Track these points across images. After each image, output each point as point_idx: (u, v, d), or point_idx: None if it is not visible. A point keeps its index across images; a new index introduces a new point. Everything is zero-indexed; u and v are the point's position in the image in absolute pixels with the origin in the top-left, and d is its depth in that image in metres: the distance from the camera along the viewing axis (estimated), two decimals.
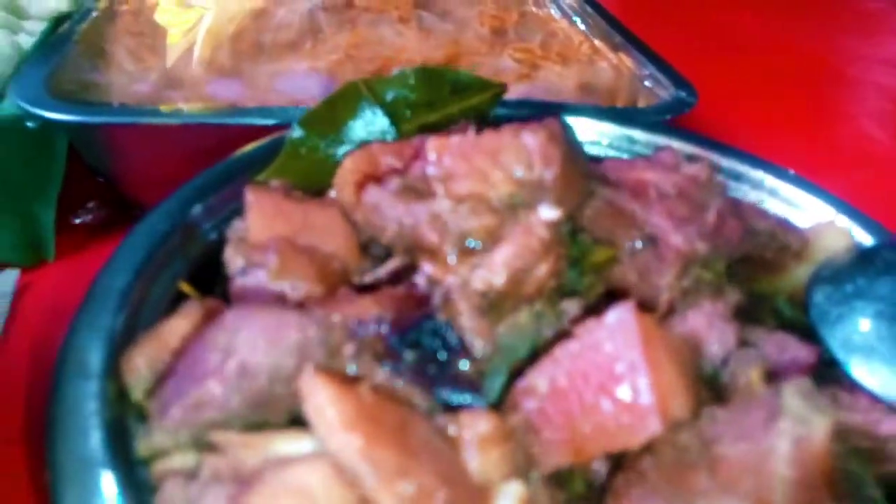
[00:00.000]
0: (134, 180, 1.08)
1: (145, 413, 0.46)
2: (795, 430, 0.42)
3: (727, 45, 1.72)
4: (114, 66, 1.14)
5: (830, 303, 0.60)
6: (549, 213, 0.53)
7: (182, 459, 0.42)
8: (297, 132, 0.69)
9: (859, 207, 0.75)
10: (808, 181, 0.77)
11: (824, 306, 0.60)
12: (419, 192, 0.57)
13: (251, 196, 0.61)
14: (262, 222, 0.60)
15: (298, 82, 1.13)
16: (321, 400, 0.39)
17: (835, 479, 0.42)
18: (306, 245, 0.60)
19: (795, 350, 0.56)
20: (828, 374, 0.58)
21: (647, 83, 1.23)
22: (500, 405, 0.49)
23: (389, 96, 0.73)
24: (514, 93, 1.20)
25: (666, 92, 1.17)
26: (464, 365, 0.49)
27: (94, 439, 0.46)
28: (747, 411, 0.46)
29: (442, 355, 0.48)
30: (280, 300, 0.51)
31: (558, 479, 0.51)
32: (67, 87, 1.05)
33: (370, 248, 0.62)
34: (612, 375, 0.45)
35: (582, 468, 0.51)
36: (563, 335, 0.49)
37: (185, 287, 0.60)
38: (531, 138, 0.54)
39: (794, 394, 0.44)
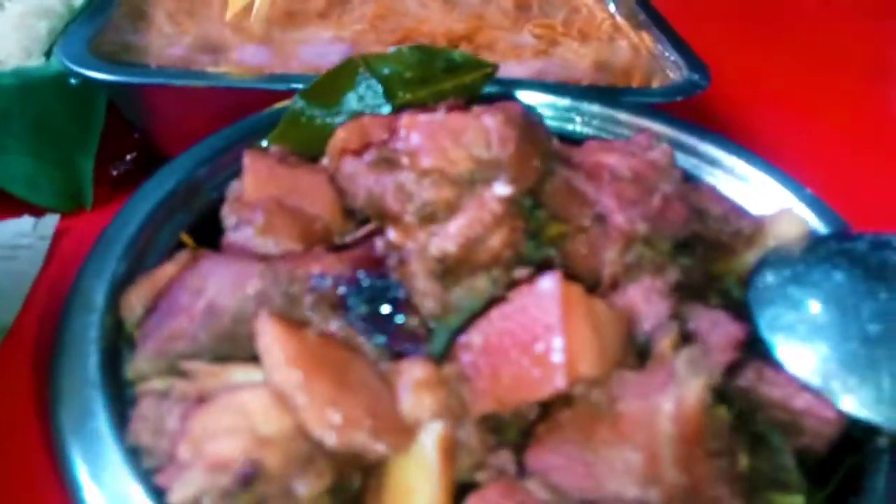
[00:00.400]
0: (166, 136, 1.16)
1: (135, 343, 0.54)
2: (677, 390, 0.47)
3: (755, 25, 1.71)
4: (153, 29, 1.22)
5: (767, 285, 0.64)
6: (502, 189, 0.59)
7: (159, 383, 0.50)
8: (298, 103, 0.76)
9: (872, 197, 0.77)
10: (780, 170, 0.80)
11: (761, 288, 0.64)
12: (392, 164, 0.63)
13: (248, 159, 0.68)
14: (256, 184, 0.67)
15: (322, 51, 1.19)
16: (269, 338, 0.46)
17: (715, 436, 0.48)
18: (293, 206, 0.68)
19: (726, 326, 0.61)
20: (759, 351, 0.63)
21: (663, 64, 1.25)
22: (443, 358, 0.56)
23: (386, 72, 0.79)
24: (528, 69, 1.24)
25: (680, 74, 1.20)
26: (411, 321, 0.55)
27: (92, 363, 0.55)
28: (651, 375, 0.52)
29: (390, 311, 0.55)
30: (257, 254, 0.58)
31: (495, 426, 0.58)
32: (109, 48, 1.13)
33: (356, 213, 0.69)
34: (533, 335, 0.51)
35: (516, 417, 0.58)
36: (500, 300, 0.56)
37: (185, 238, 0.68)
38: (490, 120, 0.59)
39: (683, 360, 0.49)
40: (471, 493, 0.47)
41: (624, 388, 0.52)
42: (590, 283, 0.64)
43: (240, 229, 0.64)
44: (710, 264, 0.73)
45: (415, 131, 0.60)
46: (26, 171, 1.13)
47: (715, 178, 0.80)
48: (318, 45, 1.20)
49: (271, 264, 0.53)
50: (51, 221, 1.08)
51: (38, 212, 1.09)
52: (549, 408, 0.56)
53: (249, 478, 0.42)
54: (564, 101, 0.88)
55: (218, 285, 0.50)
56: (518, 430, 0.58)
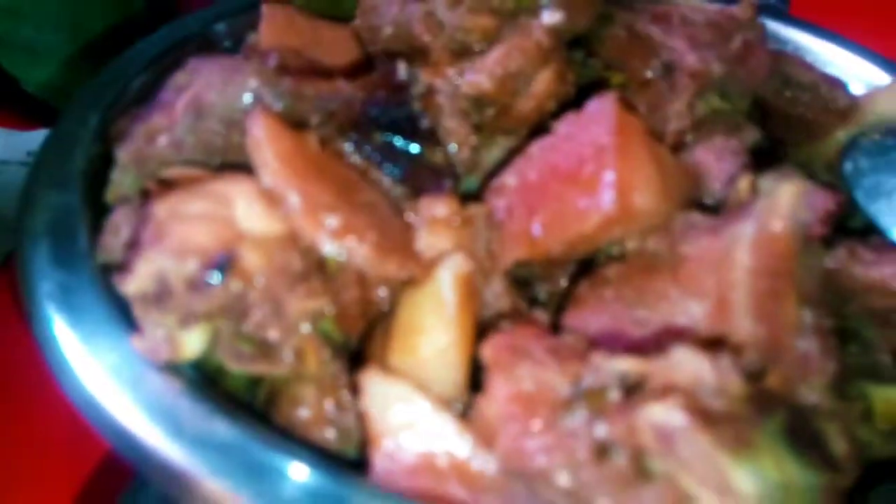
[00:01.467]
0: None
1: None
2: (760, 212, 0.38)
3: None
4: None
5: (866, 154, 0.54)
6: (551, 16, 0.50)
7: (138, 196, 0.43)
8: None
9: None
10: (880, 55, 0.69)
11: (857, 157, 0.54)
12: None
13: (266, 8, 0.61)
14: (273, 32, 0.60)
15: None
16: (261, 134, 0.38)
17: (806, 274, 0.38)
18: (311, 58, 0.60)
19: (814, 195, 0.50)
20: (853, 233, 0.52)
21: None
22: (472, 201, 0.48)
23: None
24: None
25: None
26: (434, 154, 0.47)
27: (73, 192, 0.48)
28: (725, 216, 0.42)
29: (410, 142, 0.46)
30: None
31: (529, 282, 0.49)
32: None
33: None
34: (581, 160, 0.42)
35: (555, 269, 0.48)
36: (541, 132, 0.47)
37: None
38: None
39: (769, 178, 0.39)
40: (492, 333, 0.38)
41: (689, 231, 0.42)
42: None
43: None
44: (790, 150, 0.62)
45: None
46: (57, 77, 1.09)
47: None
48: None
49: (273, 72, 0.45)
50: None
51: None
52: (595, 265, 0.47)
53: (222, 267, 0.34)
54: None
55: (206, 79, 0.43)
56: (546, 292, 0.49)
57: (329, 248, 0.36)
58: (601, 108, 0.43)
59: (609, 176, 0.40)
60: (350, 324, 0.45)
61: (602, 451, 0.32)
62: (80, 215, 0.45)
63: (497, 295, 0.46)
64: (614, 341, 0.41)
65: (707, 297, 0.40)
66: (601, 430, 0.32)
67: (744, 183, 0.44)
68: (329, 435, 0.42)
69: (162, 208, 0.36)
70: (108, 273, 0.42)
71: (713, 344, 0.38)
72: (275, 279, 0.36)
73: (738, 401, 0.30)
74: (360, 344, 0.43)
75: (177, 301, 0.35)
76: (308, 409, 0.42)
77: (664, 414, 0.29)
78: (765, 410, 0.31)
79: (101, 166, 0.50)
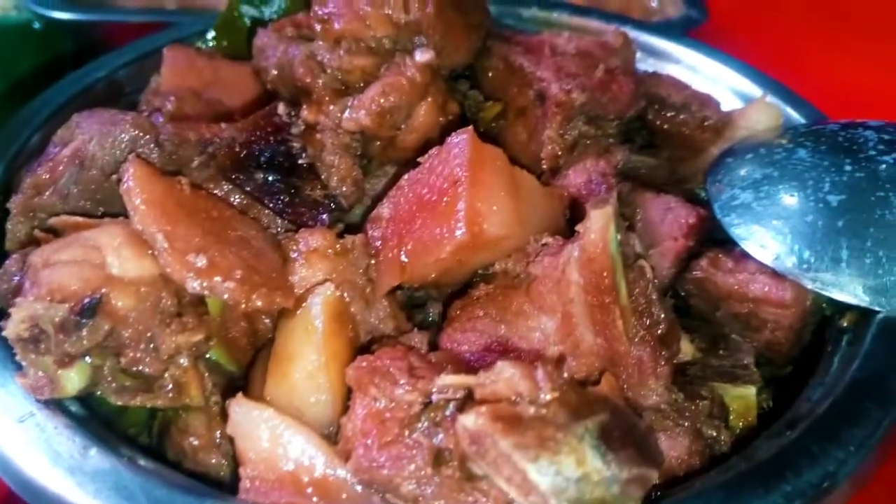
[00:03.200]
0: None
1: None
2: (583, 234, 0.41)
3: None
4: None
5: (726, 169, 0.58)
6: (423, 55, 0.54)
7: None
8: (231, 3, 0.72)
9: None
10: (750, 66, 0.74)
11: (720, 172, 0.58)
12: (307, 38, 0.58)
13: (167, 51, 0.64)
14: (173, 74, 0.63)
15: None
16: (132, 180, 0.41)
17: (632, 288, 0.41)
18: (213, 98, 0.63)
19: (678, 211, 0.55)
20: (723, 244, 0.56)
21: (661, 2, 1.20)
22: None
23: None
24: None
25: (677, 10, 1.15)
26: (315, 191, 0.50)
27: None
28: (571, 238, 0.46)
29: (290, 179, 0.50)
30: None
31: (418, 306, 0.53)
32: None
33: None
34: (440, 192, 0.45)
35: (438, 298, 0.52)
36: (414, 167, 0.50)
37: None
38: None
39: (592, 202, 0.43)
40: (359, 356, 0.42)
41: (540, 252, 0.46)
42: (533, 173, 0.58)
43: (150, 117, 0.59)
44: (676, 165, 0.66)
45: None
46: None
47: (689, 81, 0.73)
48: None
49: (153, 120, 0.48)
50: None
51: None
52: (467, 287, 0.50)
53: (89, 310, 0.37)
54: (529, 12, 0.82)
55: (87, 132, 0.46)
56: (436, 313, 0.53)
57: (195, 285, 0.39)
58: (459, 142, 0.46)
59: (461, 206, 0.43)
60: (240, 353, 0.48)
61: (438, 459, 0.35)
62: None
63: (381, 318, 0.49)
64: (480, 359, 0.44)
65: (555, 312, 0.43)
66: (437, 440, 0.36)
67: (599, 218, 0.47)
68: (215, 459, 0.45)
69: (37, 257, 0.39)
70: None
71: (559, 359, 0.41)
72: (147, 318, 0.39)
73: (548, 407, 0.33)
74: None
75: (51, 343, 0.38)
76: (197, 438, 0.45)
77: (472, 421, 0.32)
78: (581, 414, 0.34)
79: (4, 216, 0.53)
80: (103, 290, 0.38)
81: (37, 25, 1.08)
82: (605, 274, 0.40)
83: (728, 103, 0.70)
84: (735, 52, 0.84)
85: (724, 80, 0.74)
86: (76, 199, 0.45)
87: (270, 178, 0.49)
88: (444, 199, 0.45)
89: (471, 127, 0.47)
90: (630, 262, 0.42)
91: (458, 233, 0.43)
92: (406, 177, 0.49)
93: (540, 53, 0.59)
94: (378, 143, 0.56)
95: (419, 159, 0.49)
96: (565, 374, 0.38)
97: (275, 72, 0.57)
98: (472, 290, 0.49)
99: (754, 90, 0.72)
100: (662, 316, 0.42)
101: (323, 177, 0.52)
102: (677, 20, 1.13)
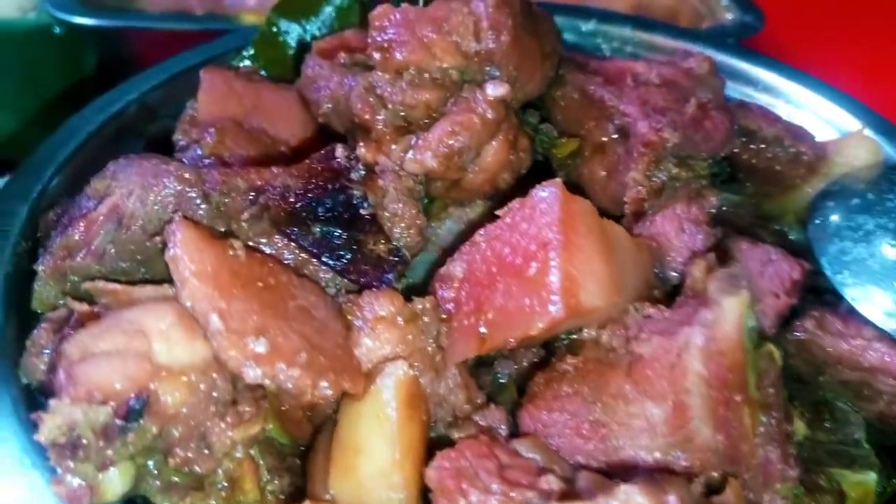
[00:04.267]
0: None
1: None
2: (709, 317, 0.35)
3: None
4: None
5: (830, 217, 0.51)
6: (496, 89, 0.48)
7: (63, 310, 0.40)
8: (271, 17, 0.66)
9: None
10: (846, 95, 0.67)
11: (823, 220, 0.52)
12: (364, 66, 0.52)
13: (204, 74, 0.58)
14: (212, 101, 0.57)
15: None
16: (180, 245, 0.36)
17: (762, 380, 0.36)
18: (255, 127, 0.57)
19: (780, 264, 0.48)
20: (821, 298, 0.50)
21: (712, 6, 1.13)
22: (417, 293, 0.45)
23: None
24: None
25: (731, 16, 1.08)
26: (377, 246, 0.44)
27: None
28: (677, 307, 0.40)
29: (351, 233, 0.44)
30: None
31: (483, 377, 0.47)
32: None
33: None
34: (526, 255, 0.40)
35: (508, 365, 0.46)
36: (489, 219, 0.44)
37: None
38: (480, 4, 0.48)
39: (718, 278, 0.37)
40: (439, 453, 0.36)
41: (644, 326, 0.40)
42: (611, 214, 0.52)
43: (189, 150, 0.54)
44: (762, 201, 0.60)
45: (389, 21, 0.49)
46: (9, 127, 1.06)
47: (766, 105, 0.67)
48: None
49: (199, 168, 0.42)
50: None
51: None
52: (551, 354, 0.45)
53: (135, 412, 0.32)
54: (589, 25, 0.75)
55: (126, 186, 0.40)
56: (521, 372, 0.47)
57: (255, 375, 0.34)
58: (546, 197, 0.40)
59: (554, 277, 0.37)
60: (296, 427, 0.43)
61: None
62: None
63: (451, 389, 0.43)
64: (573, 451, 0.39)
65: (664, 399, 0.37)
66: None
67: (698, 270, 0.41)
68: None
69: (74, 346, 0.33)
70: (31, 396, 0.39)
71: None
72: (199, 411, 0.34)
73: None
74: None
75: (91, 450, 0.32)
76: None
77: None
78: None
79: (30, 262, 0.48)
80: (151, 387, 0.32)
81: (57, 30, 1.02)
82: (736, 369, 0.34)
83: (813, 128, 0.64)
84: (795, 64, 0.77)
85: (811, 106, 0.67)
86: (113, 260, 0.40)
87: (330, 232, 0.43)
88: (533, 264, 0.39)
89: (559, 180, 0.41)
90: (758, 347, 0.36)
91: (552, 308, 0.37)
92: (482, 232, 0.43)
93: (621, 84, 0.53)
94: (440, 182, 0.50)
95: (497, 212, 0.43)
96: (694, 493, 0.32)
97: (328, 105, 0.51)
98: (557, 360, 0.43)
99: (842, 117, 0.65)
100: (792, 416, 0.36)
101: (385, 227, 0.46)
102: (731, 27, 1.06)
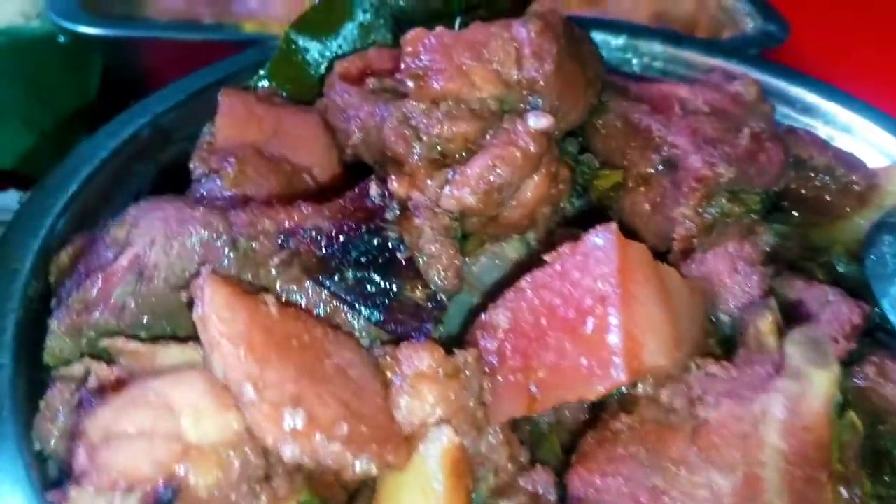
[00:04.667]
0: None
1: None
2: (790, 388, 0.33)
3: None
4: None
5: (885, 248, 0.48)
6: (538, 121, 0.45)
7: (76, 367, 0.37)
8: (289, 34, 0.63)
9: None
10: (892, 117, 0.64)
11: (881, 258, 0.49)
12: (396, 93, 0.49)
13: (222, 98, 0.55)
14: (230, 127, 0.54)
15: None
16: (209, 305, 0.33)
17: (843, 455, 0.33)
18: (276, 154, 0.54)
19: (839, 307, 0.45)
20: (882, 341, 0.47)
21: (733, 14, 1.10)
22: (456, 343, 0.42)
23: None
24: None
25: (753, 24, 1.05)
26: (415, 292, 0.41)
27: (6, 338, 0.42)
28: (746, 367, 0.37)
29: (387, 278, 0.41)
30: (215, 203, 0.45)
31: (528, 435, 0.44)
32: (100, 1, 1.02)
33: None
34: (580, 309, 0.37)
35: (556, 424, 0.43)
36: (532, 264, 0.41)
37: None
38: (522, 30, 0.45)
39: (798, 344, 0.34)
40: None
41: (707, 385, 0.37)
42: (656, 250, 0.50)
43: (207, 181, 0.51)
44: (809, 230, 0.57)
45: (423, 46, 0.46)
46: (15, 139, 1.03)
47: (811, 129, 0.64)
48: None
49: (225, 210, 0.39)
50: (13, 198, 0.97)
51: (26, 183, 0.98)
52: (602, 410, 0.42)
53: (165, 502, 0.29)
54: (619, 40, 0.72)
55: (148, 234, 0.37)
56: (560, 442, 0.44)
57: (293, 453, 0.31)
58: (601, 244, 0.37)
59: (615, 338, 0.34)
60: (331, 493, 0.40)
61: None
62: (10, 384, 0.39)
63: (493, 447, 0.40)
64: None
65: (733, 470, 0.34)
66: None
67: (766, 325, 0.38)
68: None
69: (95, 426, 0.30)
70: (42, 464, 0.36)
71: None
72: (232, 490, 0.31)
73: None
74: None
75: None
76: None
77: None
78: None
79: (42, 305, 0.45)
80: (181, 472, 0.29)
81: (62, 39, 0.99)
82: (821, 447, 0.31)
83: (858, 153, 0.61)
84: (820, 75, 0.75)
85: (856, 129, 0.64)
86: (134, 314, 0.37)
87: (365, 278, 0.40)
88: (589, 320, 0.36)
89: (614, 225, 0.38)
90: (841, 416, 0.33)
91: (614, 373, 0.34)
92: (529, 279, 0.40)
93: (668, 111, 0.49)
94: (476, 219, 0.47)
95: (546, 257, 0.40)
96: None
97: (358, 135, 0.48)
98: (609, 418, 0.40)
99: (890, 142, 0.62)
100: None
101: (421, 269, 0.43)
102: (754, 37, 1.02)
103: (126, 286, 0.37)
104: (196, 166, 0.53)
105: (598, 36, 0.72)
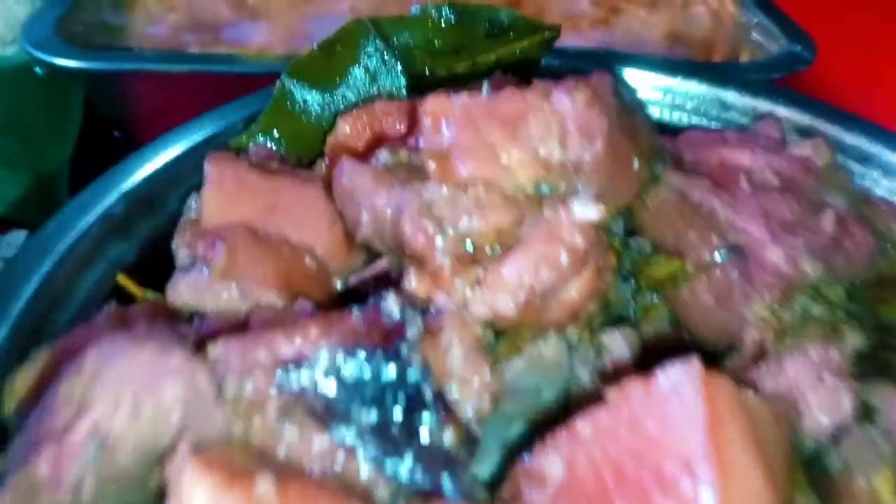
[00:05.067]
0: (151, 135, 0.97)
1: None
2: None
3: None
4: (135, 5, 1.02)
5: None
6: (586, 210, 0.37)
7: None
8: (284, 84, 0.55)
9: None
10: None
11: None
12: (413, 171, 0.41)
13: (210, 166, 0.47)
14: (219, 201, 0.46)
15: (333, 26, 0.99)
16: (186, 501, 0.25)
17: None
18: (272, 234, 0.47)
19: None
20: None
21: (753, 33, 1.03)
22: (495, 491, 0.35)
23: (405, 39, 0.57)
24: (586, 42, 1.02)
25: (776, 45, 0.97)
26: (443, 434, 0.34)
27: None
28: None
29: (410, 419, 0.33)
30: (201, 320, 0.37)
31: None
32: (82, 30, 0.95)
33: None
34: (660, 477, 0.29)
35: None
36: (589, 396, 0.34)
37: (123, 280, 0.48)
38: (566, 101, 0.37)
39: None
40: None
41: None
42: (716, 348, 0.42)
43: (192, 271, 0.43)
44: (879, 308, 0.50)
45: (446, 120, 0.38)
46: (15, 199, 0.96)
47: (872, 182, 0.56)
48: (330, 20, 0.99)
49: (214, 360, 0.31)
50: (16, 238, 0.90)
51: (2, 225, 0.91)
52: None
53: None
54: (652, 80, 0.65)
55: (112, 394, 0.29)
56: None
57: None
58: (683, 388, 0.30)
59: None
60: None
61: None
62: None
63: None
64: None
65: None
66: None
67: (880, 481, 0.31)
68: None
69: None
70: None
71: None
72: None
73: None
74: None
75: None
76: None
77: None
78: None
79: None
80: None
81: (39, 71, 0.91)
82: None
83: None
84: (848, 99, 0.67)
85: None
86: (93, 495, 0.29)
87: (384, 422, 0.33)
88: (671, 485, 0.29)
89: (696, 359, 0.31)
90: None
91: None
92: (589, 421, 0.33)
93: (734, 188, 0.42)
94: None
95: (608, 395, 0.32)
96: None
97: (371, 226, 0.40)
98: None
99: None
100: None
101: (450, 402, 0.35)
102: (779, 59, 0.94)
103: (83, 461, 0.29)
104: (180, 249, 0.46)
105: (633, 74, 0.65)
